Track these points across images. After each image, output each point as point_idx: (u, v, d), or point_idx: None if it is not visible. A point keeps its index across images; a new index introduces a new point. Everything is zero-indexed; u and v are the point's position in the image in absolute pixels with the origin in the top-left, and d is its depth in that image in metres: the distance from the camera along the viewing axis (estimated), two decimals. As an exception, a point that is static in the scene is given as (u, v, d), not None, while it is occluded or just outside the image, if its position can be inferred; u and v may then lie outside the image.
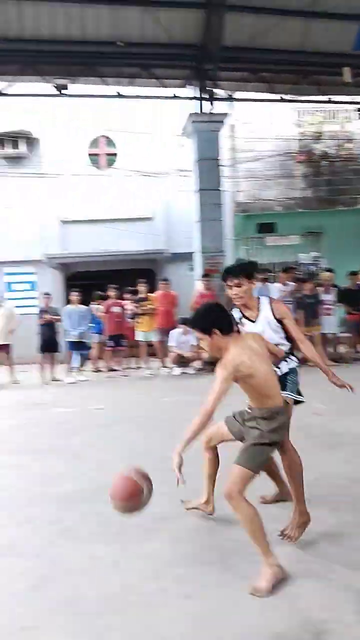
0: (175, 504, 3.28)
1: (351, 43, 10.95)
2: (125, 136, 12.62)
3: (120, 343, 9.75)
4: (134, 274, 12.44)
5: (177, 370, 9.42)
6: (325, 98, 12.30)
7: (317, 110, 14.53)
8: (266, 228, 13.97)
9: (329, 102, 12.64)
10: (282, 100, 11.93)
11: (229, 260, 10.83)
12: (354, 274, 10.09)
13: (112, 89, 10.57)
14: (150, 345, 9.81)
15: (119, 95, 10.56)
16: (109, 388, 8.49)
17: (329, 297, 9.78)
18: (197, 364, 9.63)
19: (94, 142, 13.07)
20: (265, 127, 13.65)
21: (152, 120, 12.71)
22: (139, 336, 9.69)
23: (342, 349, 10.14)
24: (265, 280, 9.46)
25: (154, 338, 9.67)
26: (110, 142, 13.02)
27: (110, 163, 13.06)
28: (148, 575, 2.64)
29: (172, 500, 3.25)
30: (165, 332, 9.72)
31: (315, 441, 4.65)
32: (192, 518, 3.24)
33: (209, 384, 2.53)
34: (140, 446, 4.85)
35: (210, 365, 8.20)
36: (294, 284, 9.72)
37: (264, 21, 10.04)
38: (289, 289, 9.53)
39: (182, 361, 9.50)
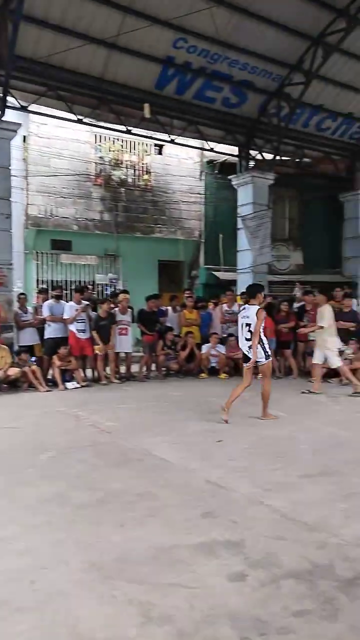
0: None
1: (153, 82, 11.54)
2: None
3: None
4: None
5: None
6: (124, 128, 12.01)
7: (117, 139, 14.18)
8: (61, 245, 13.87)
9: (129, 132, 12.36)
10: (80, 122, 11.67)
11: (17, 273, 11.28)
12: (150, 298, 10.54)
13: None
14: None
15: None
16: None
17: (125, 317, 10.04)
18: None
19: None
20: (62, 145, 13.64)
21: None
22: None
23: (134, 367, 10.37)
24: (59, 297, 9.75)
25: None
26: None
27: None
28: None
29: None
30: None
31: (105, 458, 4.73)
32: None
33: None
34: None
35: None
36: (87, 302, 9.82)
37: (64, 41, 10.00)
38: (82, 307, 9.40)
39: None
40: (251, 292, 6.90)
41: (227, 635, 2.15)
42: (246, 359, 6.71)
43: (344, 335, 9.75)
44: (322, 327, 8.35)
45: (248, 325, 6.51)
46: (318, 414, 6.83)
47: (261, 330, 6.44)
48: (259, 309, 6.52)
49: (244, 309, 6.85)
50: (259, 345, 6.43)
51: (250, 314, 6.52)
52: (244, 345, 6.66)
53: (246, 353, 6.65)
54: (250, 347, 6.49)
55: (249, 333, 6.50)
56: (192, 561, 2.78)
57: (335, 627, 2.21)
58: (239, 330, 6.78)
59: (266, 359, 6.55)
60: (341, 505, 3.55)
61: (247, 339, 6.54)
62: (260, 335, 6.43)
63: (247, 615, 2.28)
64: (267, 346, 6.61)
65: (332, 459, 4.71)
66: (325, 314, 8.45)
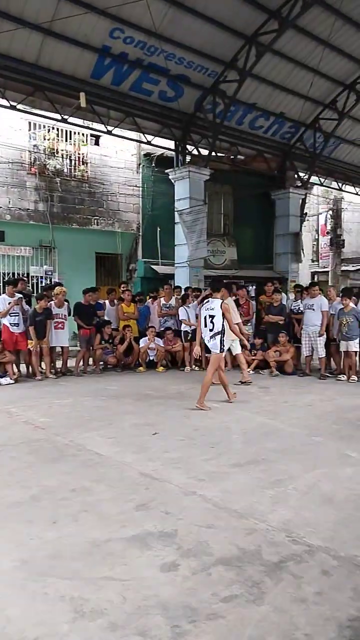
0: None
1: (89, 71, 11.37)
2: None
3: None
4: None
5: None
6: (60, 116, 12.01)
7: (52, 128, 14.27)
8: None
9: (64, 121, 12.22)
10: (14, 108, 11.42)
11: None
12: (87, 291, 10.41)
13: None
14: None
15: None
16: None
17: (61, 311, 9.93)
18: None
19: None
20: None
21: None
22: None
23: (71, 362, 10.30)
24: None
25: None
26: None
27: None
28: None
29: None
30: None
31: (38, 455, 4.72)
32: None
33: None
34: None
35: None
36: (21, 295, 9.62)
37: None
38: (15, 300, 9.36)
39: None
40: (215, 287, 7.24)
41: (158, 624, 2.21)
42: (207, 349, 7.04)
43: (274, 329, 10.16)
44: (238, 324, 8.62)
45: (212, 317, 6.85)
46: (249, 404, 7.06)
47: (224, 322, 6.85)
48: (222, 302, 6.94)
49: (208, 302, 7.14)
50: (217, 337, 6.80)
51: (214, 306, 6.88)
52: (206, 336, 6.95)
53: (206, 343, 6.98)
54: (211, 338, 6.85)
55: (212, 324, 6.84)
56: (125, 554, 2.82)
57: (260, 609, 2.33)
58: (202, 322, 7.04)
59: (220, 351, 6.87)
60: (269, 492, 3.73)
61: (210, 330, 6.86)
62: (223, 328, 6.81)
63: (178, 604, 2.35)
64: (225, 340, 6.94)
65: (261, 447, 4.91)
66: (230, 308, 8.74)
